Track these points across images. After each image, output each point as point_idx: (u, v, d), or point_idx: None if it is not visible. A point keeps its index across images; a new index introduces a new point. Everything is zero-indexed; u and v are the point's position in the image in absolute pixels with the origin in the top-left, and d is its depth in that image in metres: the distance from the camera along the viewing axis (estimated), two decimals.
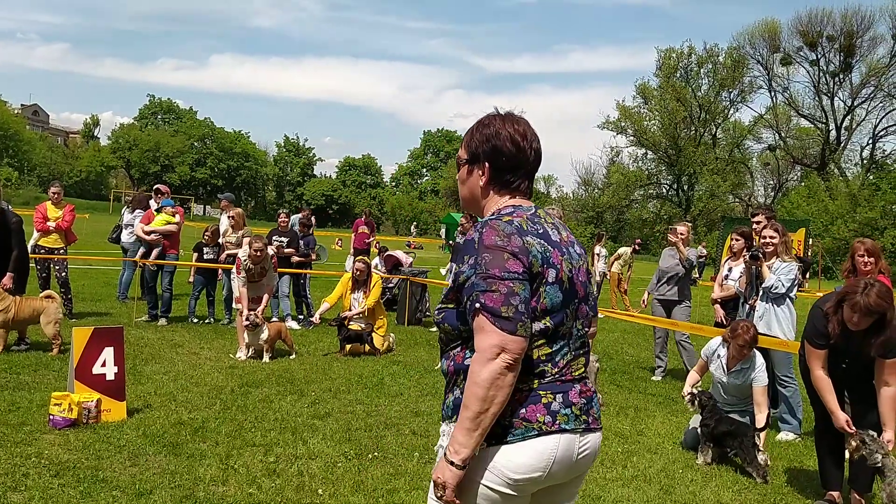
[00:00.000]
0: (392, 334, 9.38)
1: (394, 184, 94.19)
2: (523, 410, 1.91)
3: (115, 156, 77.31)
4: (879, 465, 4.08)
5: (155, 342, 8.43)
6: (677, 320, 8.03)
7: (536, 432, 1.90)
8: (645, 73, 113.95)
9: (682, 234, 8.32)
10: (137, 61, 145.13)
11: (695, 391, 5.56)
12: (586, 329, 2.08)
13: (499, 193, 2.09)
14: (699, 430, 5.37)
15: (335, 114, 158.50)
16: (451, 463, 1.88)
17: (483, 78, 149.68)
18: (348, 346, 8.58)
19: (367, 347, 8.65)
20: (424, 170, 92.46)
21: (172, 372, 7.00)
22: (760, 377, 5.46)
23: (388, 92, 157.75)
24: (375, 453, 4.95)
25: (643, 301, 8.95)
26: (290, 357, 8.21)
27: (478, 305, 1.86)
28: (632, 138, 59.30)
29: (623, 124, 58.77)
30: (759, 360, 5.54)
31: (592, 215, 57.87)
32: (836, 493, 4.61)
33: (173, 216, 10.24)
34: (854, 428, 4.32)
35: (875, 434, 4.21)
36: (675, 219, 55.00)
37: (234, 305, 9.52)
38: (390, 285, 12.54)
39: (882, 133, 54.56)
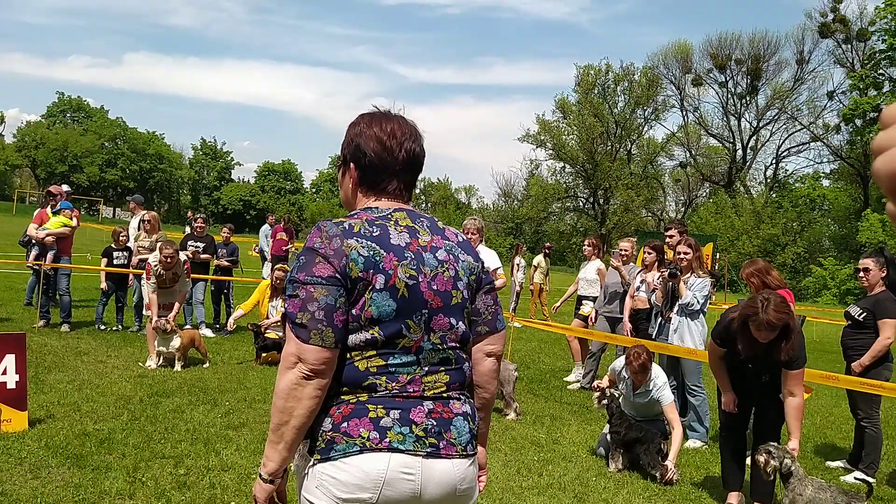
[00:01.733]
0: None
1: (314, 190, 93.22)
2: (345, 424, 1.75)
3: (20, 154, 73.77)
4: (791, 469, 4.25)
5: (59, 349, 8.06)
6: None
7: (359, 448, 1.73)
8: (564, 89, 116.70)
9: (625, 250, 8.30)
10: (47, 57, 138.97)
11: (607, 391, 5.67)
12: (451, 344, 1.87)
13: (366, 195, 1.97)
14: (609, 436, 5.51)
15: (254, 117, 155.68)
16: (260, 476, 1.85)
17: (405, 87, 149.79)
18: (265, 355, 8.43)
19: None
20: None
21: (77, 381, 6.71)
22: (665, 395, 5.56)
23: (310, 97, 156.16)
24: (290, 465, 4.86)
25: (591, 318, 8.83)
26: (204, 366, 7.99)
27: (285, 310, 1.79)
28: (551, 152, 60.55)
29: (542, 138, 59.94)
30: (662, 377, 5.67)
31: (512, 226, 58.72)
32: (736, 494, 4.81)
33: (71, 219, 9.84)
34: (737, 409, 4.64)
35: (776, 444, 4.40)
36: (590, 231, 56.42)
37: (144, 312, 9.21)
38: None
39: (785, 153, 57.56)
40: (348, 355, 1.79)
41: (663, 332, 6.70)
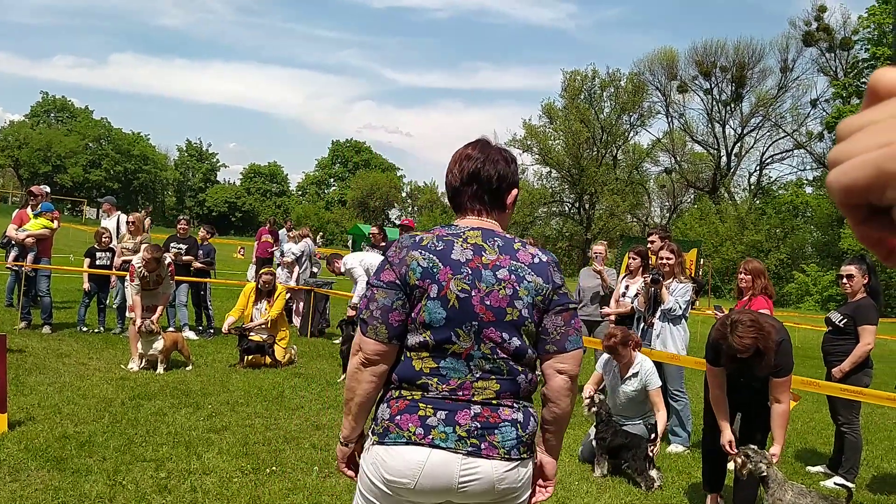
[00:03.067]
0: (294, 346, 9.23)
1: (300, 193, 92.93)
2: (399, 417, 2.00)
3: (2, 154, 72.93)
4: (765, 475, 4.28)
5: (40, 351, 7.99)
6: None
7: (405, 440, 1.97)
8: (551, 94, 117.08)
9: (599, 252, 8.49)
10: (31, 57, 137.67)
11: (596, 398, 5.69)
12: (502, 355, 2.02)
13: (457, 212, 2.21)
14: (595, 442, 5.52)
15: (241, 120, 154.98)
16: (339, 440, 2.22)
17: (393, 90, 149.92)
18: (249, 358, 8.39)
19: (269, 359, 8.48)
20: (332, 180, 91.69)
21: (58, 383, 6.66)
22: (653, 380, 5.65)
23: (296, 100, 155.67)
24: (273, 468, 4.85)
25: None
26: (187, 368, 7.94)
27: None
28: (537, 157, 60.64)
29: (529, 143, 60.03)
30: (648, 362, 5.76)
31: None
32: (715, 497, 4.83)
33: (52, 221, 9.75)
34: (735, 449, 4.50)
35: (757, 447, 4.42)
36: (576, 236, 56.64)
37: (127, 314, 9.15)
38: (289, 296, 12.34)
39: (769, 161, 57.94)
40: (407, 354, 2.04)
41: (646, 338, 6.73)
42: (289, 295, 11.65)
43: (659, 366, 6.51)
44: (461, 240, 2.06)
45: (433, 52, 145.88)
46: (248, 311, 8.89)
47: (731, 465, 5.00)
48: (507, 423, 2.01)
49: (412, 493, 1.99)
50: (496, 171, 2.13)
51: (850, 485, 5.29)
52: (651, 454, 5.25)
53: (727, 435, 4.58)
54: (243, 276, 17.18)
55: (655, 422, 5.69)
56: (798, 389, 5.56)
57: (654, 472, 5.19)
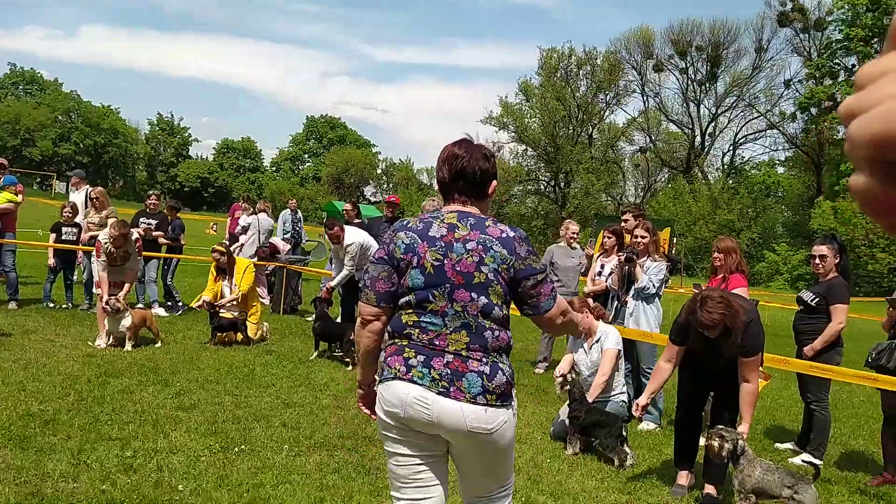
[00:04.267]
0: (266, 323, 9.13)
1: (274, 169, 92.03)
2: (390, 359, 2.48)
3: None
4: (742, 451, 4.30)
5: (5, 327, 7.81)
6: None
7: (393, 376, 2.44)
8: (527, 72, 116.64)
9: (575, 232, 8.55)
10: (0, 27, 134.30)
11: (569, 377, 5.70)
12: (472, 312, 2.42)
13: (445, 201, 2.65)
14: (568, 420, 5.52)
15: (214, 94, 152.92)
16: (358, 383, 2.76)
17: (370, 66, 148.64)
18: (220, 335, 8.27)
19: (241, 336, 8.37)
20: (306, 156, 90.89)
21: (23, 360, 6.51)
22: (607, 342, 5.85)
23: (271, 74, 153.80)
24: (242, 446, 4.78)
25: None
26: (156, 345, 7.82)
27: None
28: (513, 134, 60.44)
29: (505, 120, 59.79)
30: (613, 333, 5.93)
31: None
32: (686, 474, 4.86)
33: (16, 195, 9.51)
34: (640, 412, 4.76)
35: (727, 427, 4.44)
36: (551, 214, 56.70)
37: (94, 290, 8.98)
38: (266, 272, 12.20)
39: (742, 141, 58.33)
40: (399, 311, 2.52)
41: (619, 316, 6.74)
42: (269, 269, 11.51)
43: (632, 344, 6.54)
44: (439, 220, 2.52)
45: (410, 27, 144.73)
46: (218, 288, 8.75)
47: (702, 442, 5.03)
48: (473, 373, 2.39)
49: (405, 420, 2.42)
50: (479, 167, 2.54)
51: (817, 462, 5.35)
52: (624, 433, 5.26)
53: (643, 399, 4.74)
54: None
55: (625, 400, 5.71)
56: (768, 367, 5.60)
57: (626, 449, 5.20)
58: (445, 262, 2.44)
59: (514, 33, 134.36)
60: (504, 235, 2.48)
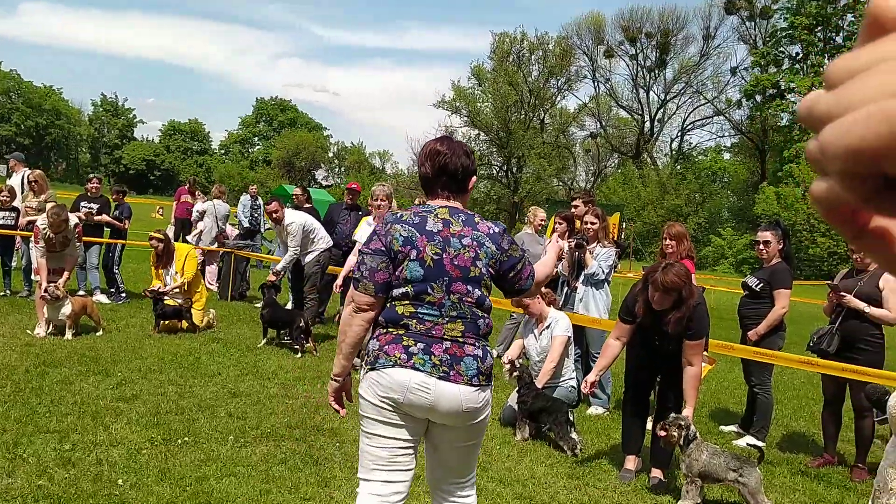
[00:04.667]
0: (212, 310, 8.94)
1: (223, 151, 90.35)
2: (387, 347, 2.57)
3: None
4: (693, 437, 4.36)
5: None
6: None
7: (393, 364, 2.54)
8: (480, 56, 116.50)
9: (543, 220, 8.53)
10: None
11: (517, 363, 5.71)
12: (467, 303, 2.61)
13: (427, 196, 2.78)
14: (517, 406, 5.53)
15: (160, 74, 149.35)
16: (331, 377, 2.81)
17: (322, 47, 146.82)
18: (164, 323, 8.07)
19: (186, 324, 8.18)
20: (256, 138, 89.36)
21: None
22: (557, 329, 5.88)
23: (220, 55, 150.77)
24: (186, 438, 4.66)
25: None
26: (97, 334, 7.59)
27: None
28: (465, 119, 60.40)
29: (458, 104, 59.67)
30: (564, 320, 5.95)
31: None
32: (633, 458, 4.91)
33: None
34: (590, 389, 4.83)
35: (676, 414, 4.50)
36: (503, 199, 56.96)
37: (33, 277, 8.68)
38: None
39: (690, 127, 59.27)
40: (392, 303, 2.61)
41: (569, 302, 6.77)
42: (202, 258, 11.27)
43: (581, 329, 6.58)
44: (433, 215, 2.65)
45: (363, 9, 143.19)
46: (161, 275, 8.52)
47: (649, 426, 5.09)
48: (469, 357, 2.59)
49: (401, 405, 2.55)
50: (461, 163, 2.70)
51: (760, 444, 5.46)
52: (572, 418, 5.29)
53: (592, 376, 4.82)
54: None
55: (574, 386, 5.75)
56: (713, 352, 5.69)
57: (574, 435, 5.23)
58: (444, 256, 2.59)
59: (468, 17, 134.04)
60: (492, 232, 2.70)
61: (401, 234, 2.60)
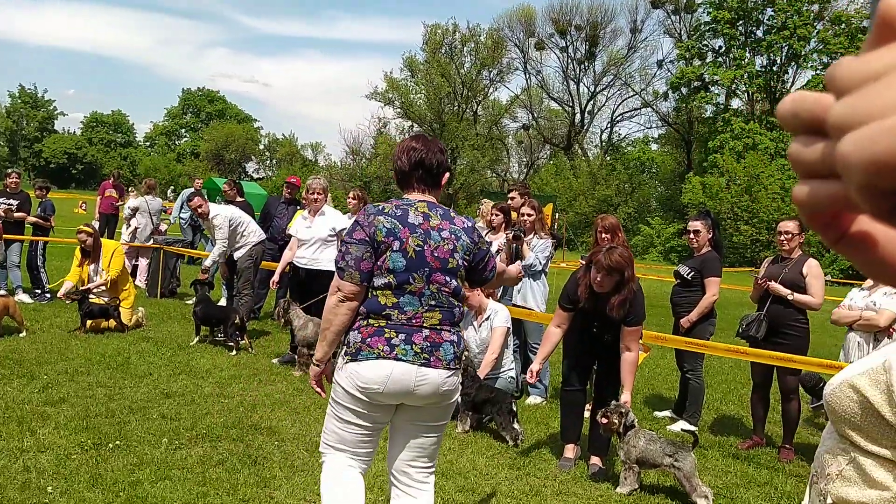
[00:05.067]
0: (141, 308, 8.68)
1: (148, 144, 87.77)
2: (370, 339, 2.69)
3: None
4: (632, 424, 4.44)
5: None
6: None
7: (376, 356, 2.67)
8: (412, 47, 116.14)
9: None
10: None
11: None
12: (444, 293, 2.77)
13: (402, 189, 2.93)
14: (459, 398, 5.53)
15: (81, 64, 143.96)
16: (313, 361, 2.94)
17: (250, 38, 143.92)
18: (91, 322, 7.79)
19: (114, 323, 7.92)
20: (183, 130, 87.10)
21: None
22: (496, 320, 5.97)
23: (143, 44, 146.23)
24: (117, 442, 4.51)
25: None
26: (20, 335, 7.28)
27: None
28: (399, 110, 60.20)
29: (391, 96, 59.40)
30: (503, 312, 6.03)
31: (360, 185, 58.12)
32: (572, 447, 4.98)
33: None
34: (534, 378, 4.81)
35: (616, 402, 4.58)
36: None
37: None
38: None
39: (619, 118, 60.39)
40: (374, 293, 2.73)
41: (507, 293, 6.81)
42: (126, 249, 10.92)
43: (519, 320, 6.63)
44: (413, 209, 2.79)
45: None
46: (85, 272, 8.22)
47: (587, 414, 5.17)
48: (447, 343, 2.77)
49: (381, 395, 2.69)
50: (437, 159, 2.85)
51: (693, 428, 5.61)
52: (515, 409, 5.33)
53: (535, 365, 4.84)
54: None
55: (514, 377, 5.80)
56: (647, 342, 5.82)
57: (517, 426, 5.27)
58: (425, 247, 2.74)
59: (399, 7, 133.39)
60: (465, 226, 2.89)
61: (384, 226, 2.71)
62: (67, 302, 8.00)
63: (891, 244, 0.41)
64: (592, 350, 4.93)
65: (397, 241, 2.70)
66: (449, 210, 2.91)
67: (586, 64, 59.11)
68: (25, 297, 9.28)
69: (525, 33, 59.51)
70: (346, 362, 2.73)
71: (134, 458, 4.29)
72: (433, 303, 2.75)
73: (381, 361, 2.67)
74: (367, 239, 2.71)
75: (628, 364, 4.65)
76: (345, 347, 2.79)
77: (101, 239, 8.73)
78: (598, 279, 4.49)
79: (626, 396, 4.61)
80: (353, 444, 2.81)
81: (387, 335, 2.69)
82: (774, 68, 45.50)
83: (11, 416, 4.83)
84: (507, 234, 6.81)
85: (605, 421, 4.48)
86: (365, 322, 2.74)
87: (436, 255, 2.75)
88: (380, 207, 2.79)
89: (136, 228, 11.47)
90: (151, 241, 11.41)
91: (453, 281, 2.80)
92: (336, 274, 2.77)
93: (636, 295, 4.58)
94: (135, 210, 11.60)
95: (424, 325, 2.73)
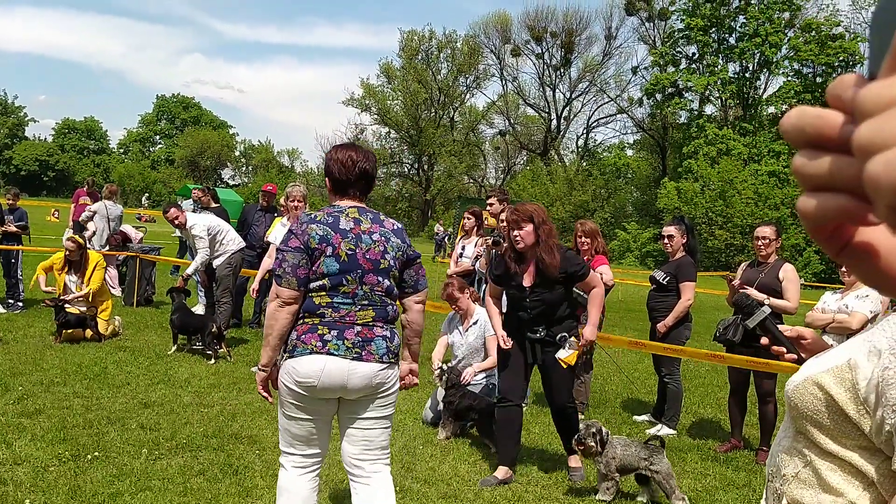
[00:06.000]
0: (118, 317, 8.59)
1: (122, 151, 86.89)
2: (304, 336, 2.86)
3: None
4: (607, 436, 4.37)
5: None
6: None
7: (310, 351, 2.84)
8: (388, 54, 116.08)
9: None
10: None
11: (444, 366, 5.71)
12: (378, 292, 2.95)
13: (335, 196, 3.06)
14: (442, 405, 5.54)
15: (52, 70, 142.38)
16: (258, 367, 3.02)
17: (224, 44, 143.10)
18: (67, 332, 7.69)
19: (90, 332, 7.83)
20: (157, 137, 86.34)
21: None
22: (488, 328, 5.71)
23: (116, 50, 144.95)
24: (96, 453, 4.46)
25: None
26: None
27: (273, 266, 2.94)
28: (376, 116, 60.18)
29: (367, 102, 59.41)
30: (484, 313, 5.92)
31: None
32: (505, 469, 4.68)
33: None
34: (509, 342, 4.62)
35: (585, 422, 4.42)
36: (415, 197, 56.97)
37: None
38: (117, 262, 11.49)
39: (595, 124, 60.86)
40: (310, 295, 2.89)
41: None
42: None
43: None
44: (344, 215, 2.96)
45: (266, 4, 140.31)
46: (60, 280, 8.12)
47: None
48: (379, 338, 2.93)
49: (316, 390, 2.85)
50: (372, 168, 3.07)
51: (672, 432, 5.67)
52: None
53: (500, 333, 4.67)
54: (58, 241, 15.79)
55: (494, 383, 5.81)
56: (625, 347, 5.86)
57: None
58: (357, 251, 2.91)
59: (374, 14, 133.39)
60: (395, 228, 3.08)
61: (317, 233, 2.87)
62: (42, 305, 7.90)
63: (892, 255, 0.43)
64: (527, 358, 4.68)
65: (330, 246, 2.87)
66: (378, 213, 3.10)
67: (562, 70, 59.50)
68: None
69: (501, 40, 59.82)
70: (285, 359, 2.91)
71: (113, 469, 4.25)
72: (366, 302, 2.92)
73: (315, 356, 2.83)
74: (301, 247, 2.86)
75: (593, 298, 4.66)
76: (283, 346, 2.94)
77: (89, 251, 8.63)
78: (517, 235, 4.45)
79: (588, 330, 4.59)
80: (307, 439, 2.97)
81: (320, 332, 2.85)
82: (747, 75, 46.06)
83: None
84: (487, 241, 6.85)
85: (581, 448, 4.38)
86: (300, 321, 2.90)
87: (367, 257, 2.92)
88: (312, 216, 2.97)
89: (92, 233, 11.26)
90: (107, 247, 11.16)
91: (385, 280, 2.97)
92: (274, 281, 2.90)
93: (567, 252, 4.56)
94: (93, 214, 11.40)
95: (357, 322, 2.89)
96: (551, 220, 4.76)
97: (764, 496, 1.68)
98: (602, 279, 6.06)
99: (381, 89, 60.00)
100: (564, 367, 4.56)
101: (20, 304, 9.52)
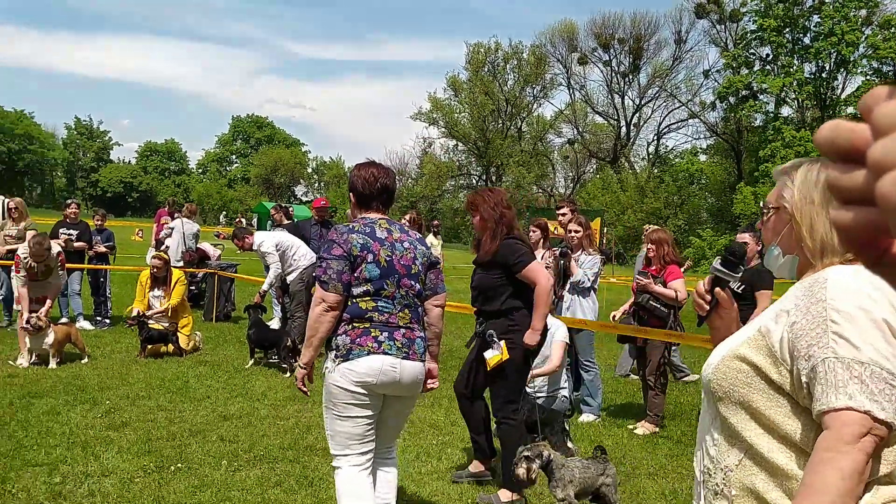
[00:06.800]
0: (198, 332, 8.89)
1: (200, 171, 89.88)
2: (359, 339, 3.09)
3: None
4: (551, 460, 3.89)
5: None
6: None
7: (367, 352, 3.07)
8: (455, 67, 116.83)
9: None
10: None
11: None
12: (411, 296, 3.23)
13: (359, 209, 3.34)
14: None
15: (134, 95, 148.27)
16: (299, 365, 3.32)
17: (296, 63, 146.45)
18: (150, 347, 8.01)
19: (171, 348, 8.13)
20: (234, 156, 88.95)
21: None
22: (557, 334, 5.56)
23: (193, 74, 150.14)
24: (178, 464, 4.63)
25: None
26: (82, 361, 7.52)
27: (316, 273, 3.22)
28: (443, 130, 60.58)
29: (435, 116, 59.84)
30: (560, 324, 5.82)
31: (407, 205, 58.50)
32: (476, 462, 4.73)
33: None
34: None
35: (521, 446, 4.00)
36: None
37: (14, 306, 8.59)
38: (196, 279, 11.89)
39: (665, 130, 59.69)
40: (354, 300, 3.13)
41: (556, 311, 6.79)
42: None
43: (571, 339, 6.59)
44: (377, 225, 3.24)
45: (336, 23, 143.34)
46: (146, 297, 8.46)
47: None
48: (419, 339, 3.27)
49: (375, 386, 3.09)
50: (392, 184, 3.36)
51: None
52: (567, 428, 5.30)
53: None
54: (142, 259, 16.44)
55: (566, 395, 5.76)
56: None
57: (570, 444, 5.25)
58: (393, 257, 3.18)
59: (441, 28, 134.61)
60: (418, 237, 3.43)
61: (357, 242, 3.13)
62: (127, 325, 8.25)
63: None
64: (477, 351, 4.52)
65: (370, 253, 3.13)
66: (402, 224, 3.48)
67: (630, 77, 58.68)
68: (86, 324, 9.58)
69: (568, 48, 59.38)
70: (338, 364, 3.10)
71: (195, 480, 4.40)
72: (404, 304, 3.21)
73: (373, 356, 3.08)
74: (344, 254, 3.10)
75: (536, 297, 4.31)
76: (333, 352, 3.14)
77: (173, 268, 9.00)
78: (473, 221, 4.54)
79: (527, 335, 4.27)
80: (363, 436, 3.17)
81: (373, 334, 3.10)
82: (823, 75, 44.51)
83: (76, 441, 4.99)
84: (554, 252, 6.81)
85: (519, 473, 3.83)
86: (350, 326, 3.12)
87: (402, 262, 3.21)
88: (350, 227, 3.23)
89: (167, 248, 11.68)
90: (182, 262, 11.47)
91: (416, 284, 3.27)
92: (319, 286, 3.12)
93: (506, 240, 4.35)
94: (171, 230, 11.88)
95: (399, 324, 3.17)
96: (513, 207, 4.61)
97: (694, 501, 1.65)
98: (677, 296, 5.95)
99: (448, 102, 60.38)
100: (488, 368, 4.30)
101: (107, 321, 9.95)
